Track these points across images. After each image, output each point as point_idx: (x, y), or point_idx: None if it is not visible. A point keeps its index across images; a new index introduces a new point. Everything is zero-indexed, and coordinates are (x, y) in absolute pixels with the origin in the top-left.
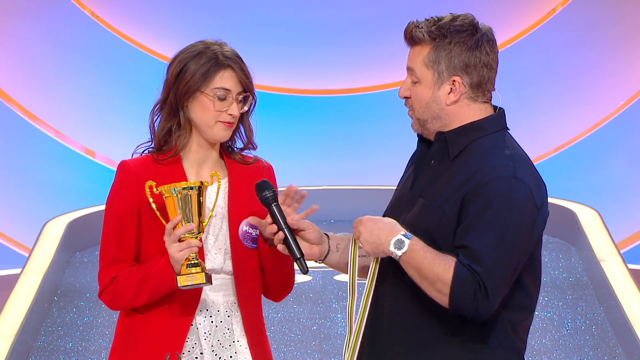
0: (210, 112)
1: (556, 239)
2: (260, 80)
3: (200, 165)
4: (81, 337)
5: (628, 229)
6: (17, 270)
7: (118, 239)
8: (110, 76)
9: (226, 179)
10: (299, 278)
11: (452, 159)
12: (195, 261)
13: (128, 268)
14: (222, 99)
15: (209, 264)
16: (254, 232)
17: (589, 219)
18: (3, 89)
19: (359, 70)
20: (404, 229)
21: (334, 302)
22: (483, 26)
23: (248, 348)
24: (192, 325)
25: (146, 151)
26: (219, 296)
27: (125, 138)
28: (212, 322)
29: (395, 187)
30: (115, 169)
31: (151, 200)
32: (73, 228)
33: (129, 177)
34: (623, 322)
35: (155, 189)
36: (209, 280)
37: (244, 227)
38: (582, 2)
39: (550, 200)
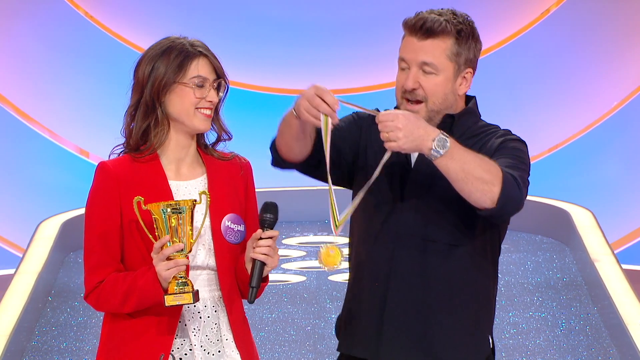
0: (189, 101)
1: (550, 239)
2: (254, 80)
3: (179, 162)
4: (75, 337)
5: (622, 229)
6: (11, 271)
7: (102, 242)
8: (104, 76)
9: (204, 176)
10: (293, 278)
11: (456, 139)
12: (183, 280)
13: (115, 274)
14: (200, 86)
15: (192, 260)
16: (236, 227)
17: (583, 220)
18: None
19: (354, 70)
20: (438, 130)
21: (328, 303)
22: None
23: (234, 342)
24: (180, 322)
25: (122, 153)
26: (205, 292)
27: (119, 138)
28: (200, 317)
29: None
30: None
31: (139, 215)
32: (67, 228)
33: (108, 177)
34: (617, 323)
35: (143, 206)
36: (196, 299)
37: (226, 222)
38: (576, 2)
39: (544, 200)
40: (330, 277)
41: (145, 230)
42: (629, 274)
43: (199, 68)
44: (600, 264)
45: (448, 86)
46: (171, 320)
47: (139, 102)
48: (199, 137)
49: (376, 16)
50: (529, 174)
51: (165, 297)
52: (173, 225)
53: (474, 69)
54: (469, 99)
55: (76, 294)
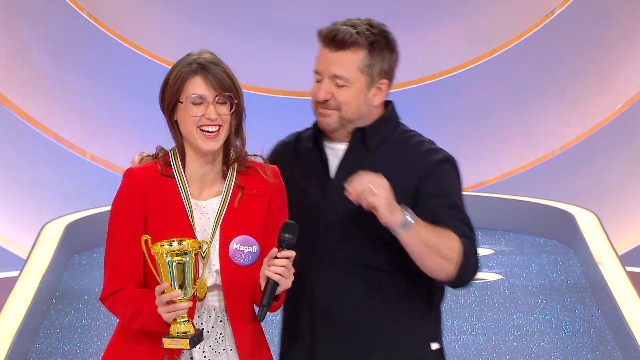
0: (189, 120)
1: (554, 242)
2: (256, 82)
3: (203, 178)
4: (79, 340)
5: (626, 231)
6: (15, 273)
7: (124, 249)
8: (108, 79)
9: (221, 196)
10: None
11: (373, 150)
12: (184, 324)
13: (131, 289)
14: (197, 104)
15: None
16: (246, 250)
17: (587, 222)
18: (0, 92)
19: None
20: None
21: None
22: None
23: (238, 354)
24: None
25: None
26: (211, 302)
27: (123, 140)
28: (203, 327)
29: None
30: (113, 171)
31: (146, 253)
32: (71, 230)
33: (133, 185)
34: (621, 325)
35: (150, 244)
36: (194, 344)
37: (234, 245)
38: (579, 5)
39: (548, 202)
40: None
41: (152, 267)
42: (633, 277)
43: (194, 86)
44: (605, 267)
45: (360, 97)
46: None
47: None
48: (225, 152)
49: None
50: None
51: (164, 339)
52: (174, 269)
53: (391, 79)
54: (387, 103)
55: (80, 296)
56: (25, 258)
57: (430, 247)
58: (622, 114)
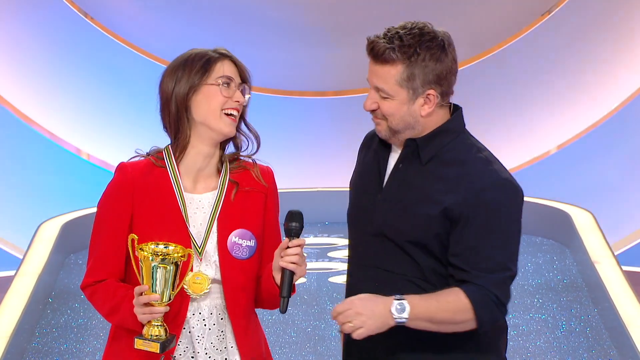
0: (217, 101)
1: (550, 241)
2: (255, 81)
3: (198, 172)
4: (75, 339)
5: (622, 230)
6: (12, 272)
7: (108, 241)
8: (104, 77)
9: (217, 190)
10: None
11: (424, 164)
12: (156, 328)
13: (111, 282)
14: (227, 85)
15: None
16: (244, 243)
17: (583, 221)
18: None
19: (352, 72)
20: (392, 297)
21: (328, 304)
22: (440, 32)
23: (238, 351)
24: (184, 328)
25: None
26: (211, 300)
27: (119, 139)
28: (204, 325)
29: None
30: (109, 170)
31: (131, 252)
32: (67, 230)
33: (124, 180)
34: (617, 325)
35: (136, 245)
36: (164, 349)
37: (232, 238)
38: (576, 4)
39: (544, 202)
40: (331, 279)
41: (134, 267)
42: (629, 276)
43: (224, 68)
44: (601, 266)
45: (403, 110)
46: (174, 328)
47: (167, 112)
48: (222, 148)
49: (374, 18)
50: (518, 241)
51: (135, 339)
52: (156, 273)
53: (442, 86)
54: (455, 108)
55: (76, 296)
56: (21, 257)
57: (437, 323)
58: (617, 114)
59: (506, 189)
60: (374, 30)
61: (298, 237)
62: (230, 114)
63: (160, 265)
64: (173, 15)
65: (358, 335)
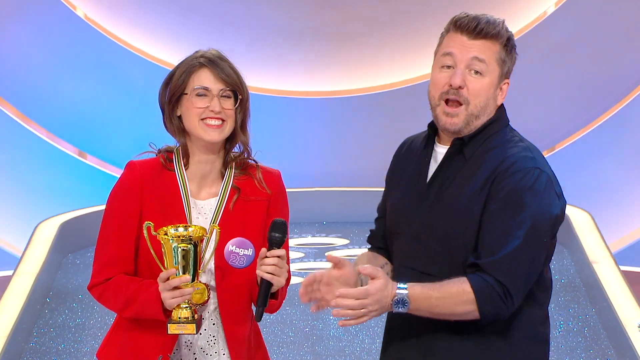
0: (193, 111)
1: None
2: (252, 82)
3: (203, 177)
4: (73, 339)
5: (620, 230)
6: (9, 272)
7: (118, 239)
8: (103, 78)
9: (218, 196)
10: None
11: (467, 158)
12: (186, 310)
13: (122, 276)
14: (201, 96)
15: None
16: (241, 252)
17: (581, 221)
18: None
19: (350, 73)
20: (396, 287)
21: None
22: None
23: (230, 358)
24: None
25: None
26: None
27: (118, 140)
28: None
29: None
30: (106, 171)
31: (148, 240)
32: (65, 230)
33: (133, 178)
34: (615, 324)
35: (152, 231)
36: (199, 329)
37: (229, 247)
38: (574, 3)
39: None
40: None
41: (154, 256)
42: (627, 276)
43: (200, 79)
44: (599, 266)
45: (491, 91)
46: (163, 331)
47: (167, 121)
48: (226, 153)
49: (374, 19)
50: (540, 243)
51: (169, 325)
52: (181, 255)
53: (509, 81)
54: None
55: (74, 296)
56: (19, 257)
57: (436, 315)
58: (615, 114)
59: (536, 176)
60: (371, 31)
61: (279, 247)
62: (211, 125)
63: (183, 246)
64: (174, 15)
65: (358, 321)
